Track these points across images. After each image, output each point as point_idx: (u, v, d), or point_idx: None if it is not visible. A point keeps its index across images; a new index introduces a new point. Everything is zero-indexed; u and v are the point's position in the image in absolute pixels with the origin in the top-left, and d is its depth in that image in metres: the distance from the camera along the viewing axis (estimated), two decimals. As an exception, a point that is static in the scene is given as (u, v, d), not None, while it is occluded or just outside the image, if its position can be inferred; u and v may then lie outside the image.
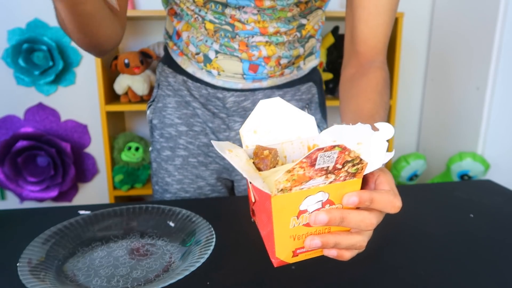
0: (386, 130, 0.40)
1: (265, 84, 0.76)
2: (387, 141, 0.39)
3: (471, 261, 0.53)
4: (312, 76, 0.84)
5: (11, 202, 2.03)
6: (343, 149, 0.32)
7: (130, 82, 1.76)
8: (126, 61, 1.74)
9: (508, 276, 0.50)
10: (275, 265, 0.39)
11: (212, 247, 0.50)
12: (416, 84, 2.20)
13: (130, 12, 1.74)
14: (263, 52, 0.72)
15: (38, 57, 1.85)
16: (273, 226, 0.36)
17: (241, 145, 0.44)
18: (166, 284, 0.43)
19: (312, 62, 0.83)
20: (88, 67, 1.92)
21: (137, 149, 1.87)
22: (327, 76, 1.92)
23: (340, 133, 0.43)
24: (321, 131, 0.81)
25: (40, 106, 1.94)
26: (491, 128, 1.71)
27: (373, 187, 0.40)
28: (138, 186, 1.88)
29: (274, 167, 0.41)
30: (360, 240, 0.38)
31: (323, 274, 0.50)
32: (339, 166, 0.34)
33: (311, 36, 0.78)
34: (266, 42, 0.71)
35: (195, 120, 0.81)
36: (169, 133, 0.82)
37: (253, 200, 0.41)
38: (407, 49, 2.10)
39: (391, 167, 2.01)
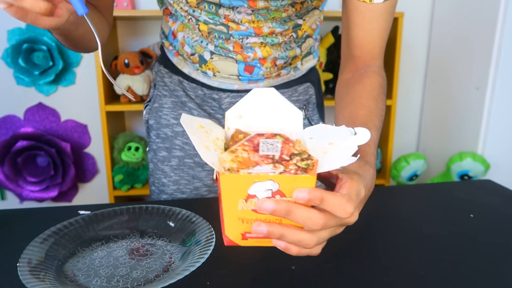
0: (362, 135, 0.40)
1: (261, 85, 0.76)
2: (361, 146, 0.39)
3: (471, 261, 0.53)
4: (309, 76, 0.83)
5: (11, 202, 2.03)
6: (286, 139, 0.32)
7: (130, 82, 1.76)
8: (126, 61, 1.74)
9: (508, 276, 0.50)
10: (225, 244, 0.40)
11: (212, 247, 0.50)
12: (416, 84, 2.20)
13: (130, 12, 1.74)
14: (258, 54, 0.71)
15: (38, 57, 1.85)
16: (222, 204, 0.37)
17: None
18: (166, 284, 0.43)
19: (310, 62, 0.83)
20: (88, 67, 1.92)
21: (137, 149, 1.87)
22: (327, 76, 1.92)
23: (319, 132, 0.43)
24: None
25: (40, 106, 1.93)
26: (491, 128, 1.71)
27: (337, 190, 0.39)
28: (138, 186, 1.88)
29: None
30: (307, 238, 0.37)
31: (323, 274, 0.50)
32: (286, 157, 0.34)
33: (308, 36, 0.78)
34: (261, 43, 0.70)
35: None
36: (165, 133, 0.81)
37: (214, 178, 0.43)
38: (407, 49, 2.10)
39: (391, 167, 2.01)
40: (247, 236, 0.39)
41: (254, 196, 0.36)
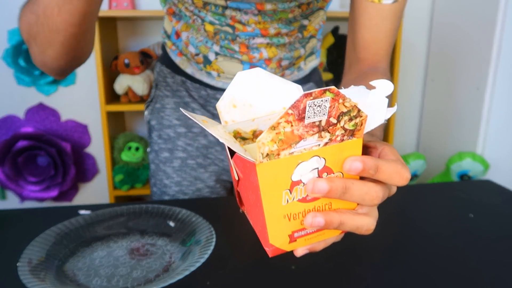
0: (384, 86, 0.35)
1: None
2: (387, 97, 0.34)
3: (471, 261, 0.53)
4: (312, 76, 0.83)
5: (11, 202, 2.03)
6: (336, 94, 0.27)
7: (130, 82, 1.76)
8: (126, 61, 1.74)
9: (508, 276, 0.50)
10: (270, 255, 0.33)
11: (212, 247, 0.50)
12: (416, 84, 2.20)
13: (130, 12, 1.74)
14: (264, 54, 0.71)
15: (38, 57, 1.85)
16: (262, 204, 0.30)
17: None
18: (166, 284, 0.43)
19: (313, 62, 0.83)
20: (88, 67, 1.92)
21: (137, 149, 1.87)
22: (327, 76, 1.92)
23: None
24: None
25: (41, 106, 1.94)
26: (490, 128, 1.71)
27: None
28: (138, 186, 1.88)
29: None
30: (369, 223, 0.33)
31: (323, 273, 0.50)
32: (333, 120, 0.28)
33: (312, 36, 0.78)
34: (267, 43, 0.70)
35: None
36: (168, 134, 0.81)
37: (237, 179, 0.35)
38: (407, 49, 2.10)
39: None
40: (295, 236, 0.33)
41: (299, 182, 0.30)
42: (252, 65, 0.73)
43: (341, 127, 0.29)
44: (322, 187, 0.30)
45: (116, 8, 1.77)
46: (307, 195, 0.31)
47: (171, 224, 0.59)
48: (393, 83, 0.36)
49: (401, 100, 2.17)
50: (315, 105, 0.27)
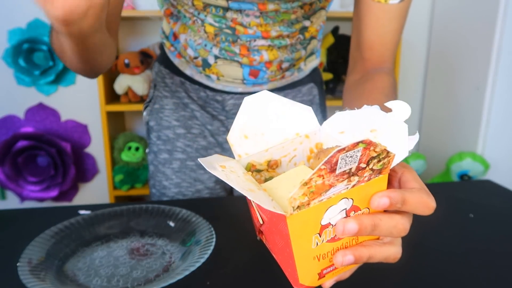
0: (400, 108, 0.33)
1: (265, 87, 0.75)
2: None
3: (471, 261, 0.53)
4: (313, 76, 0.83)
5: (11, 202, 2.03)
6: (368, 144, 0.27)
7: (130, 82, 1.76)
8: (126, 61, 1.75)
9: (508, 276, 0.50)
10: None
11: (212, 247, 0.50)
12: (416, 84, 2.20)
13: (130, 12, 1.74)
14: (264, 57, 0.70)
15: (38, 57, 1.85)
16: (293, 251, 0.30)
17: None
18: (166, 284, 0.43)
19: (313, 62, 0.82)
20: (88, 67, 1.92)
21: (137, 149, 1.87)
22: (327, 76, 1.92)
23: (346, 122, 0.37)
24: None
25: (41, 106, 1.94)
26: (490, 128, 1.71)
27: (397, 186, 0.35)
28: (138, 186, 1.88)
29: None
30: (395, 252, 0.33)
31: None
32: (363, 165, 0.28)
33: (313, 37, 0.77)
34: (269, 46, 0.69)
35: (193, 122, 0.79)
36: (167, 135, 0.80)
37: (261, 222, 0.35)
38: (407, 49, 2.10)
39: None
40: (324, 272, 0.33)
41: (328, 225, 0.30)
42: (252, 68, 0.72)
43: (369, 169, 0.29)
44: (352, 228, 0.30)
45: (116, 8, 1.77)
46: (336, 235, 0.31)
47: (171, 224, 0.59)
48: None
49: (401, 100, 2.16)
50: (348, 157, 0.27)
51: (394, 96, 0.55)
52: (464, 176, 1.75)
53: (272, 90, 0.76)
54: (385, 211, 0.32)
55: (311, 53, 0.80)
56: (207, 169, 0.31)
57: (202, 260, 0.47)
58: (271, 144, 0.38)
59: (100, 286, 0.46)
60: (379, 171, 0.30)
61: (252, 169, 0.37)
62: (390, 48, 0.61)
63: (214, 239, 0.52)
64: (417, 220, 0.67)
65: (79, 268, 0.50)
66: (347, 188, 0.29)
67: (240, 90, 0.75)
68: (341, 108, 0.61)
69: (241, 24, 0.67)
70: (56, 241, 0.53)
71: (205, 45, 0.71)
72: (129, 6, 1.79)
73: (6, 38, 1.85)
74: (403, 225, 0.32)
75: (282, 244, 0.32)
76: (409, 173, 0.34)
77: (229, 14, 0.66)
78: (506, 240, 0.59)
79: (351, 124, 0.36)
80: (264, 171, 0.38)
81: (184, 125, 0.79)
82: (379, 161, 0.29)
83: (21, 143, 1.85)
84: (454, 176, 1.77)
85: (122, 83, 1.77)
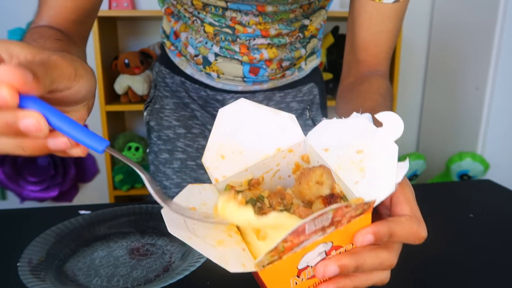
0: (393, 124, 0.30)
1: (265, 86, 0.75)
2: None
3: (471, 261, 0.53)
4: (313, 76, 0.83)
5: (11, 202, 2.03)
6: (338, 209, 0.26)
7: (130, 82, 1.76)
8: (126, 61, 1.74)
9: (508, 276, 0.50)
10: None
11: (212, 247, 0.50)
12: (416, 84, 2.20)
13: (130, 12, 1.74)
14: (264, 55, 0.70)
15: (38, 57, 1.85)
16: None
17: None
18: (166, 284, 0.43)
19: (314, 62, 0.82)
20: (88, 67, 1.92)
21: (137, 149, 1.87)
22: (327, 76, 1.92)
23: (332, 135, 0.34)
24: None
25: (40, 106, 1.94)
26: (490, 128, 1.71)
27: (388, 206, 0.33)
28: (138, 186, 1.88)
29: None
30: (384, 278, 0.32)
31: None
32: (338, 218, 0.27)
33: (313, 36, 0.77)
34: (268, 44, 0.69)
35: (193, 122, 0.79)
36: (167, 135, 0.80)
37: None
38: (407, 49, 2.10)
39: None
40: None
41: (306, 268, 0.30)
42: (252, 66, 0.72)
43: (347, 217, 0.28)
44: (333, 271, 0.29)
45: (116, 8, 1.77)
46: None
47: (171, 224, 0.59)
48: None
49: (401, 100, 2.17)
50: (316, 222, 0.26)
51: (389, 98, 0.54)
52: (464, 176, 1.75)
53: (273, 89, 0.77)
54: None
55: (312, 53, 0.80)
56: (169, 230, 0.29)
57: (202, 260, 0.47)
58: (250, 162, 0.35)
59: (100, 286, 0.46)
60: (360, 214, 0.29)
61: (231, 190, 0.35)
62: (385, 50, 0.61)
63: (214, 239, 0.51)
64: (417, 220, 0.67)
65: (79, 268, 0.50)
66: (325, 234, 0.28)
67: (240, 88, 0.75)
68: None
69: (240, 23, 0.67)
70: (56, 241, 0.53)
71: (206, 43, 0.71)
72: (129, 6, 1.79)
73: (6, 38, 1.85)
74: (389, 261, 0.31)
75: (262, 285, 0.31)
76: (401, 193, 0.32)
77: (228, 13, 0.66)
78: (506, 240, 0.59)
79: (337, 140, 0.34)
80: (245, 191, 0.35)
81: (185, 125, 0.79)
82: (357, 209, 0.28)
83: (21, 143, 1.85)
84: (454, 176, 1.77)
85: (122, 83, 1.77)
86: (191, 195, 0.33)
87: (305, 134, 0.36)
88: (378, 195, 0.29)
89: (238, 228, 0.32)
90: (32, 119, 0.26)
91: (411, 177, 1.97)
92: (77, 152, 0.31)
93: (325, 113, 0.85)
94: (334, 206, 0.25)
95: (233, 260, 0.27)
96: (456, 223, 0.65)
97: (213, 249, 0.27)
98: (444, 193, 0.78)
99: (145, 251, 0.54)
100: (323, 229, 0.27)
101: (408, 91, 2.19)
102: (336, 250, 0.30)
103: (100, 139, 0.30)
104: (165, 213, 0.30)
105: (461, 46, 1.85)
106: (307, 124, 0.81)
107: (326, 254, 0.30)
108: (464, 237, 0.60)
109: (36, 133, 0.26)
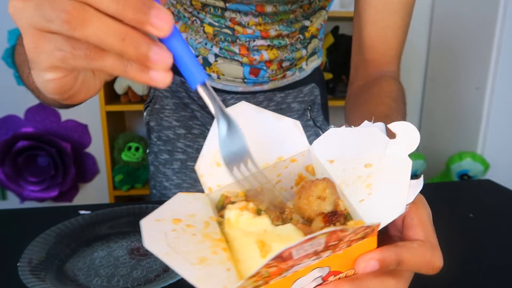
0: (407, 135, 0.27)
1: (266, 87, 0.75)
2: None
3: (471, 261, 0.53)
4: (314, 76, 0.82)
5: (11, 202, 2.03)
6: (332, 233, 0.22)
7: (130, 82, 1.76)
8: (126, 61, 1.75)
9: (508, 276, 0.50)
10: None
11: (212, 247, 0.50)
12: (416, 84, 2.20)
13: (130, 12, 1.74)
14: (264, 56, 0.70)
15: (38, 57, 1.85)
16: None
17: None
18: (166, 284, 0.43)
19: (315, 62, 0.82)
20: (88, 67, 1.92)
21: (137, 149, 1.87)
22: (327, 76, 1.92)
23: (339, 145, 0.31)
24: (323, 132, 0.70)
25: (41, 106, 1.93)
26: (490, 128, 1.71)
27: (400, 228, 0.29)
28: (138, 186, 1.88)
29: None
30: None
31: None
32: (334, 242, 0.23)
33: (313, 37, 0.76)
34: (268, 45, 0.69)
35: (193, 123, 0.79)
36: (167, 136, 0.79)
37: None
38: (407, 49, 2.09)
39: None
40: None
41: None
42: (252, 67, 0.72)
43: (346, 241, 0.24)
44: None
45: (116, 8, 1.77)
46: None
47: (171, 224, 0.59)
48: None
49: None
50: (305, 246, 0.22)
51: (402, 101, 0.50)
52: (464, 176, 1.75)
53: (273, 90, 0.76)
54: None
55: (313, 53, 0.80)
56: (145, 245, 0.25)
57: (202, 260, 0.47)
58: (248, 172, 0.31)
59: (100, 286, 0.46)
60: (362, 238, 0.25)
61: (226, 202, 0.31)
62: (393, 48, 0.58)
63: (214, 239, 0.51)
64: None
65: (79, 268, 0.50)
66: (320, 258, 0.25)
67: (240, 89, 0.75)
68: (342, 110, 0.55)
69: (240, 24, 0.67)
70: (56, 241, 0.53)
71: (205, 44, 0.71)
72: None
73: (6, 38, 1.85)
74: None
75: None
76: (416, 214, 0.28)
77: (227, 14, 0.66)
78: (506, 240, 0.59)
79: (344, 150, 0.30)
80: (242, 202, 0.32)
81: (185, 126, 0.79)
82: (357, 233, 0.24)
83: (21, 143, 1.85)
84: (454, 176, 1.77)
85: (122, 83, 1.77)
86: (179, 205, 0.30)
87: (307, 136, 0.33)
88: (384, 217, 0.25)
89: (228, 243, 0.28)
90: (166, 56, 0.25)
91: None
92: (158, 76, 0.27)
93: (326, 114, 0.85)
94: (326, 230, 0.22)
95: (213, 282, 0.24)
96: (456, 223, 0.65)
97: (192, 268, 0.24)
98: (444, 193, 0.78)
99: (145, 251, 0.54)
100: (316, 253, 0.24)
101: (408, 91, 2.18)
102: (334, 275, 0.26)
103: (202, 72, 0.28)
104: (145, 225, 0.27)
105: (461, 46, 1.85)
106: (308, 125, 0.81)
107: (323, 280, 0.26)
108: (463, 237, 0.60)
109: (161, 66, 0.26)
